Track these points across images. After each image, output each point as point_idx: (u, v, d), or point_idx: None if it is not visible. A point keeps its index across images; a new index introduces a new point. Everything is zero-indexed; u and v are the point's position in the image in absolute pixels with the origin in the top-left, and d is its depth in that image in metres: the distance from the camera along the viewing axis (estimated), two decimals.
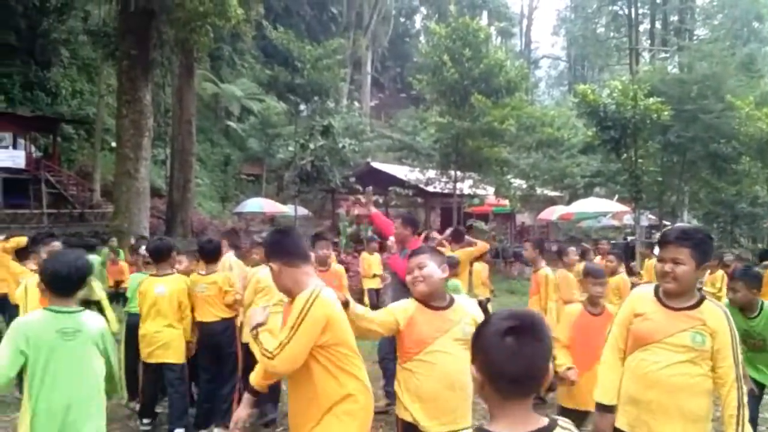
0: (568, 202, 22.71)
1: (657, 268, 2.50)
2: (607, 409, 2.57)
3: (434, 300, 2.62)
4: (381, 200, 26.20)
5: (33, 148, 22.34)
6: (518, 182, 20.97)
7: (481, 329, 1.38)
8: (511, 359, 1.29)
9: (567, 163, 21.94)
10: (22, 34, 22.25)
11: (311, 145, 20.64)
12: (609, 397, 2.56)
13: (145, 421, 4.71)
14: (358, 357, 2.36)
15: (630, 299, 2.62)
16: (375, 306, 8.04)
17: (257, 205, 20.44)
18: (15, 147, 21.95)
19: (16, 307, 5.82)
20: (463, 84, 17.27)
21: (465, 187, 19.36)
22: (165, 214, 19.75)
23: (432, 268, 2.59)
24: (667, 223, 24.77)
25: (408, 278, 2.68)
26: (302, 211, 22.75)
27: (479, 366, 1.35)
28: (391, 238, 5.57)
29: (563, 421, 1.41)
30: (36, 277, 4.27)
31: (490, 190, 20.03)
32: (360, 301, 7.81)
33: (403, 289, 5.45)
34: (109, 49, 15.50)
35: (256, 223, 22.81)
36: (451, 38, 17.44)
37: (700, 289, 2.62)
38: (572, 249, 6.25)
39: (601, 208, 19.17)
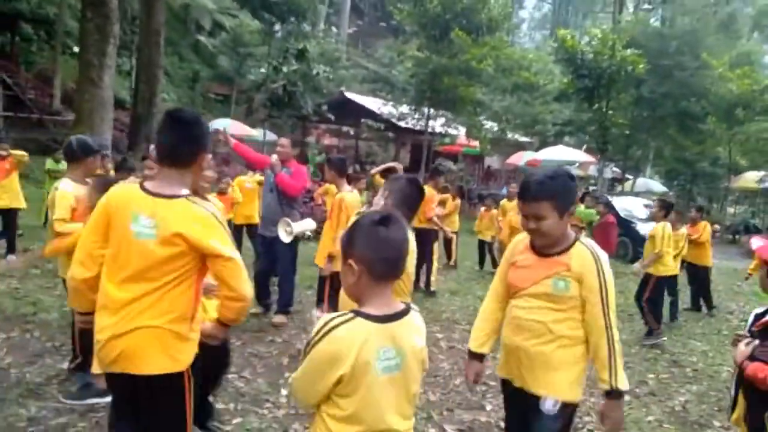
0: (538, 149, 22.87)
1: None
2: None
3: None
4: (352, 132, 25.99)
5: None
6: (490, 124, 20.94)
7: (354, 228, 1.63)
8: (386, 244, 1.57)
9: (540, 109, 21.95)
10: None
11: (284, 69, 20.03)
12: None
13: None
14: None
15: None
16: None
17: (224, 125, 19.84)
18: None
19: None
20: (445, 18, 16.82)
21: (437, 125, 19.23)
22: (129, 127, 19.11)
23: (555, 221, 2.23)
24: (630, 177, 25.40)
25: (526, 224, 2.31)
26: (271, 136, 22.27)
27: (357, 258, 1.57)
28: (274, 156, 5.82)
29: (414, 306, 1.70)
30: None
31: (462, 130, 19.96)
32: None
33: (288, 206, 5.64)
34: None
35: (222, 144, 22.29)
36: None
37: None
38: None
39: (569, 157, 19.35)
